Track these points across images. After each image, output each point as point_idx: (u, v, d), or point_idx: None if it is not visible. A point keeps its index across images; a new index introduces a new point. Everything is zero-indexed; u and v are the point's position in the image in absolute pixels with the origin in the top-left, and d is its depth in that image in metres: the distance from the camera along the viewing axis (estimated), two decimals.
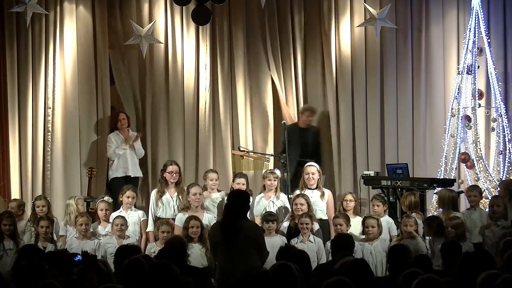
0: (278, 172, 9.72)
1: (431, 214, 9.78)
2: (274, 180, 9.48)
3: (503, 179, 10.63)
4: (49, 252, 7.63)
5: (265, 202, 9.44)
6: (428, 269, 5.74)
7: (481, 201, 9.72)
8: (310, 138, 11.31)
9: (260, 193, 9.68)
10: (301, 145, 11.08)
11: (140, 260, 5.69)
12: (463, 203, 10.22)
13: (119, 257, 6.38)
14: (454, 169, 10.96)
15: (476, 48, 11.09)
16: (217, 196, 9.61)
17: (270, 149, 11.50)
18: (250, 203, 8.88)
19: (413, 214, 8.91)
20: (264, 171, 9.96)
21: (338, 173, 11.54)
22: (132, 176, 10.86)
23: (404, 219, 8.68)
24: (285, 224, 9.07)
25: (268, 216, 8.68)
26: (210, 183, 9.61)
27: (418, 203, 9.21)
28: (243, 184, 9.43)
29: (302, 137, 11.15)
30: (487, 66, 11.17)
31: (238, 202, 7.24)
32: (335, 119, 11.66)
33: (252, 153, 10.42)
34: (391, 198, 9.79)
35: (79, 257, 5.77)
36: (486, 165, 10.90)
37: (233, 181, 9.63)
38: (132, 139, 10.90)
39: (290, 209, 9.24)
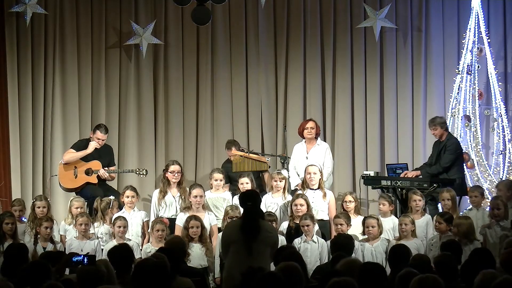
0: (285, 172, 9.65)
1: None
2: (280, 181, 9.40)
3: (503, 179, 10.62)
4: (48, 252, 7.63)
5: (271, 204, 9.38)
6: (427, 269, 5.74)
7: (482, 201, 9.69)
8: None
9: (268, 192, 9.64)
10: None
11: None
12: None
13: (111, 258, 6.31)
14: None
15: (476, 48, 11.10)
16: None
17: (271, 150, 11.51)
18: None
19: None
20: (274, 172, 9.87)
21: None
22: None
23: (400, 218, 8.68)
24: (285, 224, 9.06)
25: (268, 216, 8.62)
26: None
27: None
28: (247, 183, 9.39)
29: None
30: (487, 66, 11.18)
31: (258, 202, 7.24)
32: (335, 119, 11.66)
33: (252, 153, 10.38)
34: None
35: (77, 258, 5.74)
36: (487, 165, 10.90)
37: (237, 181, 9.57)
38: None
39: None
